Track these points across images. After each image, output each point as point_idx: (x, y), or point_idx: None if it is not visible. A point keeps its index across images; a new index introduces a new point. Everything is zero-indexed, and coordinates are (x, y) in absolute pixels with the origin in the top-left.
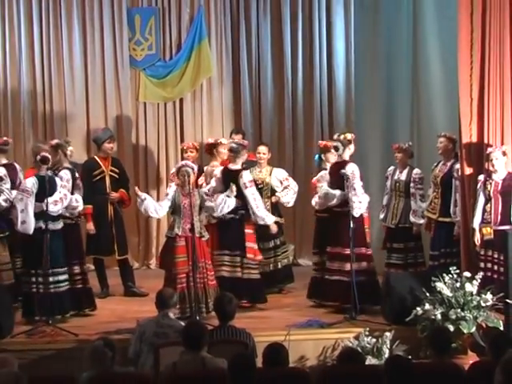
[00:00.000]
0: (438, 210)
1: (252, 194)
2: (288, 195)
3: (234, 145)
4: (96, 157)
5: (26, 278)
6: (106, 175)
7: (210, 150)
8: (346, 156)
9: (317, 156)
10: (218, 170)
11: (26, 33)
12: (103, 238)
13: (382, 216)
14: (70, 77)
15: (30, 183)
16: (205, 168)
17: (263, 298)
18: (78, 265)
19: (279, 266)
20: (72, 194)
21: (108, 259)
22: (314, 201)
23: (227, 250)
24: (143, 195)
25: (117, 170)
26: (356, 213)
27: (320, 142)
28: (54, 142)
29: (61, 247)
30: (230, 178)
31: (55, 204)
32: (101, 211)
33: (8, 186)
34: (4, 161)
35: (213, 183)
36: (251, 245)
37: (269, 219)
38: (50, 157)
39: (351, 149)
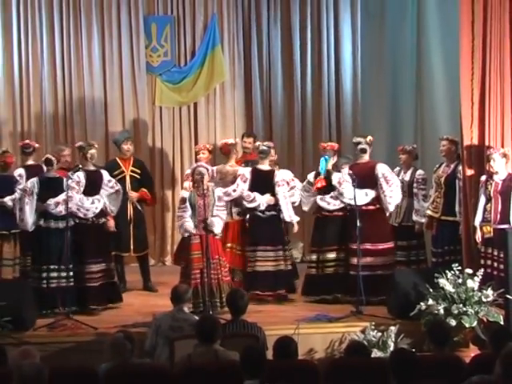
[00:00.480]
0: (441, 209)
1: (283, 192)
2: (295, 195)
3: (264, 147)
4: (117, 158)
5: (33, 274)
6: (126, 175)
7: (229, 150)
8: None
9: (326, 158)
10: (244, 171)
11: (47, 41)
12: (122, 236)
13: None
14: (89, 82)
15: (31, 183)
16: (216, 167)
17: (294, 287)
18: (103, 262)
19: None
20: (93, 195)
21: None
22: (326, 201)
23: (270, 245)
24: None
25: (138, 171)
26: (392, 209)
27: (331, 144)
28: (77, 144)
29: (60, 246)
30: (260, 178)
31: (56, 205)
32: (121, 210)
33: (21, 186)
34: (30, 162)
35: (240, 183)
36: None
37: (295, 217)
38: (53, 159)
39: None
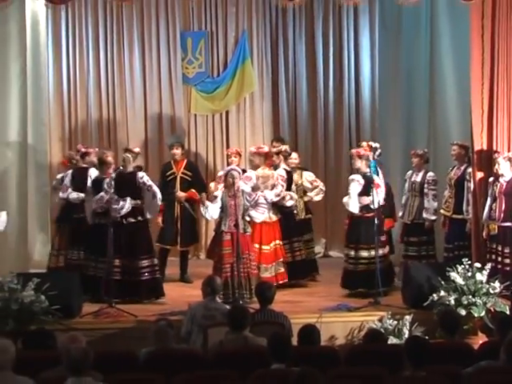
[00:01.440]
0: (452, 208)
1: None
2: (319, 194)
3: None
4: (171, 160)
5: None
6: (177, 176)
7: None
8: None
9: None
10: (281, 172)
11: (93, 54)
12: (168, 230)
13: (400, 213)
14: (130, 91)
15: (89, 184)
16: (257, 172)
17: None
18: (146, 259)
19: (308, 258)
20: (124, 195)
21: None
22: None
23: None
24: (207, 203)
25: (189, 173)
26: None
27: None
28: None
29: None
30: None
31: (94, 203)
32: (169, 207)
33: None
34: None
35: (284, 184)
36: None
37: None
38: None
39: None
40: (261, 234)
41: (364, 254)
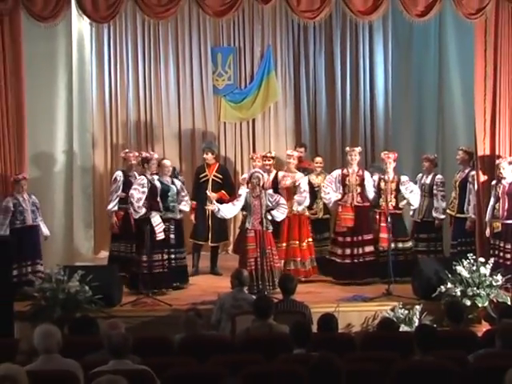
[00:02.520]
0: (456, 208)
1: None
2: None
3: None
4: (205, 164)
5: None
6: (209, 179)
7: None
8: None
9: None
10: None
11: (132, 68)
12: (200, 227)
13: (411, 213)
14: (166, 102)
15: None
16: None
17: None
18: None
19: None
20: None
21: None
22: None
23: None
24: (215, 207)
25: (220, 176)
26: None
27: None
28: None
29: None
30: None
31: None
32: (201, 207)
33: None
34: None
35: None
36: None
37: None
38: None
39: None
40: (299, 232)
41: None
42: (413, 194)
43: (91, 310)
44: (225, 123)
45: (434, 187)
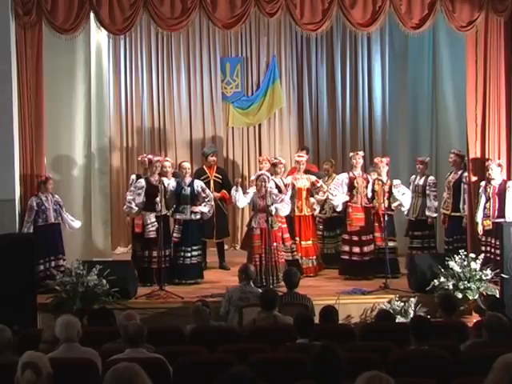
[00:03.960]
0: (450, 208)
1: None
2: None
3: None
4: (204, 166)
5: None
6: (210, 180)
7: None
8: None
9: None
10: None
11: (146, 77)
12: (206, 225)
13: (405, 212)
14: (178, 108)
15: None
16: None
17: None
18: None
19: (336, 250)
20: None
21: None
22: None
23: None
24: (239, 188)
25: (220, 177)
26: None
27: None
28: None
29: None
30: None
31: None
32: None
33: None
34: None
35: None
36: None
37: None
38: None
39: None
40: (305, 231)
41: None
42: (404, 197)
43: (108, 302)
44: (233, 128)
45: (427, 188)
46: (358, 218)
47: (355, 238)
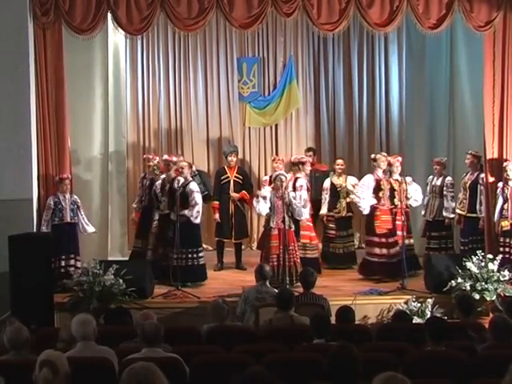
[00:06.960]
0: (467, 208)
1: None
2: None
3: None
4: (225, 166)
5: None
6: (230, 180)
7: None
8: None
9: None
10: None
11: (163, 78)
12: (224, 226)
13: (423, 212)
14: (195, 108)
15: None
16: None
17: None
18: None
19: (348, 251)
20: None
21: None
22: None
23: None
24: (260, 199)
25: (241, 177)
26: None
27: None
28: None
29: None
30: None
31: None
32: (224, 206)
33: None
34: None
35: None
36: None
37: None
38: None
39: None
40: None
41: None
42: (417, 192)
43: (125, 301)
44: (249, 128)
45: (444, 188)
46: (386, 220)
47: (383, 240)
